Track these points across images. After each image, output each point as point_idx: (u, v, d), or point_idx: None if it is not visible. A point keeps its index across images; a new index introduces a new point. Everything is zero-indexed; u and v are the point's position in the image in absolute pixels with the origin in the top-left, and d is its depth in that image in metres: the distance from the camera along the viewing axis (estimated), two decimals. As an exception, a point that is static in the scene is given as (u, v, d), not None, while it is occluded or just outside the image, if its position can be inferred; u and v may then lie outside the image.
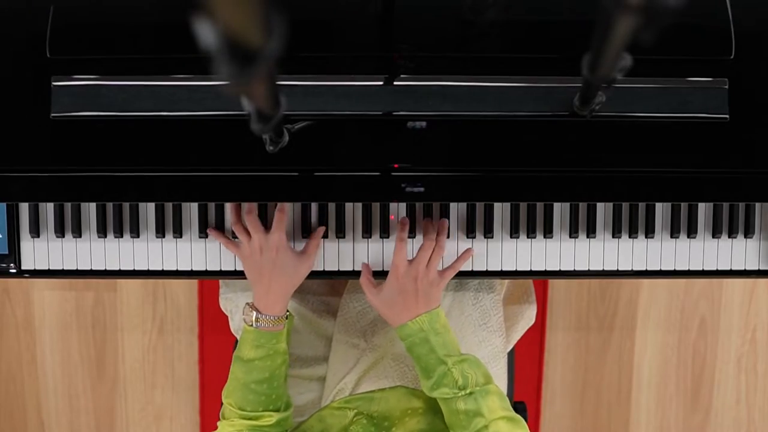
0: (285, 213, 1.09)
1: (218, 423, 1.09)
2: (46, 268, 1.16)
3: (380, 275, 1.16)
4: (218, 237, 1.13)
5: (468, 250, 1.14)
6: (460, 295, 1.21)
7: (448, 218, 1.15)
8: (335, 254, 1.16)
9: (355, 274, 1.16)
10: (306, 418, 1.18)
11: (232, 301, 1.27)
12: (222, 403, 1.10)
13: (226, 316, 1.30)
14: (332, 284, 1.28)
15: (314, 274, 1.16)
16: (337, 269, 1.16)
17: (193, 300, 1.99)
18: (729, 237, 1.17)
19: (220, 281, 1.30)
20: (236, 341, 1.37)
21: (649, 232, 1.16)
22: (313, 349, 1.22)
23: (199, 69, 1.04)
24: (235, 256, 1.15)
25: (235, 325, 1.26)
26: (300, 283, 1.10)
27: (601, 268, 1.17)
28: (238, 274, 1.17)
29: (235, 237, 1.13)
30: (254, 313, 1.06)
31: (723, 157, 1.07)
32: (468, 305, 1.21)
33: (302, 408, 1.21)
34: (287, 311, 1.09)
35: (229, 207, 1.13)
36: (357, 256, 1.16)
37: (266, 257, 1.06)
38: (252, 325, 1.06)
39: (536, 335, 2.01)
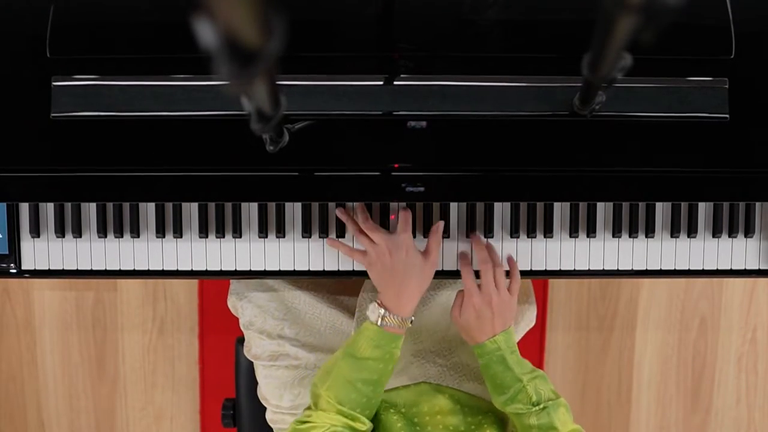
0: (409, 212, 1.10)
1: (308, 411, 1.07)
2: (47, 268, 1.16)
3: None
4: (340, 247, 1.12)
5: (510, 257, 1.15)
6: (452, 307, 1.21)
7: (449, 218, 1.15)
8: (335, 254, 1.16)
9: (354, 274, 1.16)
10: None
11: (243, 297, 1.26)
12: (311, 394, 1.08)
13: (228, 316, 1.30)
14: (345, 283, 1.28)
15: (313, 274, 1.16)
16: (336, 269, 1.16)
17: (193, 300, 1.99)
18: (729, 237, 1.17)
19: (231, 280, 1.30)
20: (238, 338, 1.37)
21: (650, 232, 1.16)
22: (332, 343, 1.22)
23: (199, 69, 1.04)
24: (235, 255, 1.15)
25: (245, 321, 1.26)
26: (428, 285, 1.09)
27: (601, 268, 1.17)
28: (239, 274, 1.17)
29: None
30: (383, 310, 1.05)
31: (723, 156, 1.07)
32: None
33: None
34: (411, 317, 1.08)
35: (345, 218, 1.13)
36: (357, 256, 1.16)
37: (396, 258, 1.06)
38: (377, 323, 1.04)
39: (536, 335, 2.01)
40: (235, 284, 1.28)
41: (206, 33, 0.43)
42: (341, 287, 1.27)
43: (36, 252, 1.16)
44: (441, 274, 1.16)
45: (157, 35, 1.07)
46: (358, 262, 1.13)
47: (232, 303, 1.28)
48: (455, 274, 1.15)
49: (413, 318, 1.08)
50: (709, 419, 2.08)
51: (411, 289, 1.06)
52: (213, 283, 1.94)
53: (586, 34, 0.64)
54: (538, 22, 1.07)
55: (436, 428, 1.10)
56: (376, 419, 1.11)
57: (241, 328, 1.27)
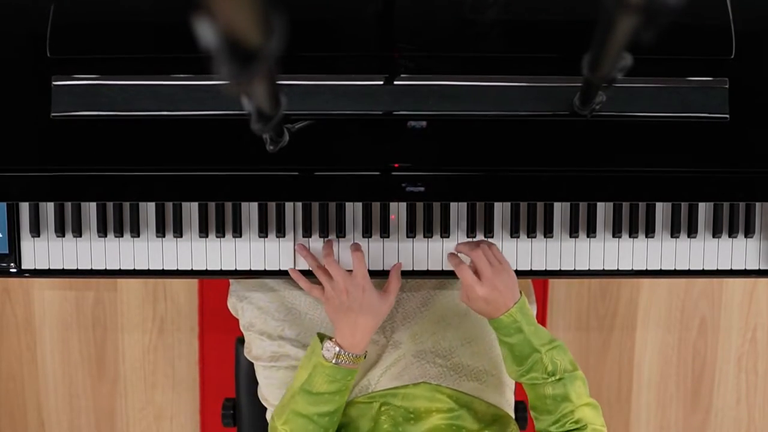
0: (362, 251, 1.10)
1: None
2: (47, 267, 1.16)
3: (380, 275, 1.16)
4: (300, 280, 1.14)
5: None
6: (460, 291, 1.21)
7: (449, 218, 1.15)
8: (335, 254, 1.16)
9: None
10: None
11: (243, 299, 1.26)
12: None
13: (228, 316, 1.30)
14: None
15: (313, 274, 1.16)
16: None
17: (193, 300, 1.99)
18: (729, 237, 1.17)
19: (231, 280, 1.30)
20: (238, 338, 1.37)
21: (650, 232, 1.16)
22: None
23: (199, 69, 1.04)
24: (235, 254, 1.15)
25: (245, 322, 1.26)
26: (382, 321, 1.11)
27: (601, 268, 1.17)
28: (239, 274, 1.17)
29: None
30: (337, 348, 1.07)
31: (723, 156, 1.07)
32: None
33: None
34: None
35: (303, 255, 1.14)
36: (357, 255, 1.16)
37: (353, 297, 1.07)
38: (332, 362, 1.06)
39: (536, 335, 2.01)
40: (234, 285, 1.28)
41: (206, 33, 0.43)
42: None
43: (36, 251, 1.16)
44: (440, 274, 1.17)
45: (157, 35, 1.07)
46: (314, 298, 1.14)
47: (232, 304, 1.28)
48: (452, 274, 1.15)
49: (366, 353, 1.10)
50: (709, 419, 2.08)
51: (365, 328, 1.08)
52: (213, 283, 1.94)
53: (586, 34, 0.64)
54: (538, 22, 1.07)
55: (429, 414, 1.10)
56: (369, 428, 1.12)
57: (242, 329, 1.27)
